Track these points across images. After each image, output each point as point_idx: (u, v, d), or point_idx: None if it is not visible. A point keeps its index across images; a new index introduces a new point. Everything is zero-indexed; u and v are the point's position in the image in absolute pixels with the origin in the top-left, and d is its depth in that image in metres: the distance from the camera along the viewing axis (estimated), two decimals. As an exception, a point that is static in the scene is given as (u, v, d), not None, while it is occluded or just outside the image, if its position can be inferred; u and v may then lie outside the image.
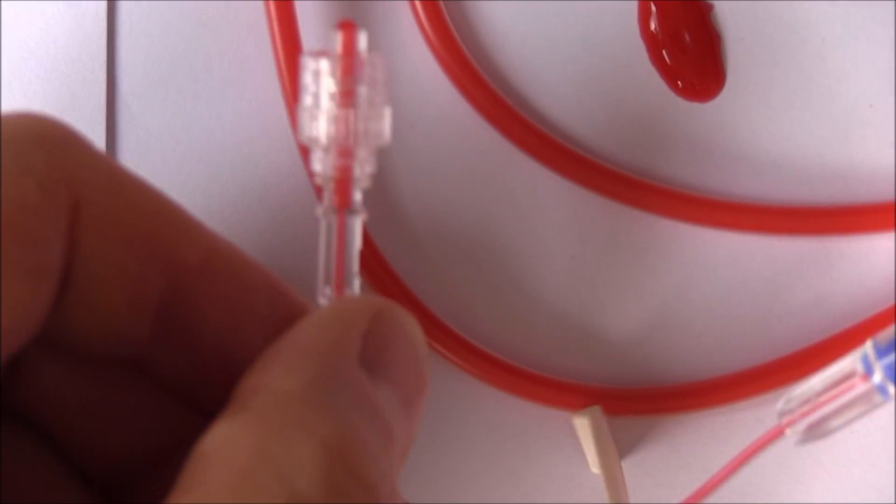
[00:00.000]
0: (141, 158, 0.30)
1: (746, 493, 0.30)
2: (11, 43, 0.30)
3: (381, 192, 0.30)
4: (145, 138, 0.30)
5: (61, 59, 0.30)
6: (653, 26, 0.31)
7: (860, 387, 0.25)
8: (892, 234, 0.30)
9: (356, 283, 0.22)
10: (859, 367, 0.25)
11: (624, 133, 0.31)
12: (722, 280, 0.31)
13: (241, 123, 0.30)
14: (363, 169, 0.23)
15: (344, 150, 0.22)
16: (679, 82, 0.31)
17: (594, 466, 0.29)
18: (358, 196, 0.23)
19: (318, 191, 0.25)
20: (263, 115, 0.30)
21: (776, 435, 0.26)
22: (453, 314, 0.30)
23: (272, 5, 0.29)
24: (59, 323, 0.19)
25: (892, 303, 0.30)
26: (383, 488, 0.18)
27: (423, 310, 0.30)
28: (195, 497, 0.16)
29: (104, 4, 0.31)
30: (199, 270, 0.21)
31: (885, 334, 0.25)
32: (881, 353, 0.25)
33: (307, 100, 0.22)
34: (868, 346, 0.25)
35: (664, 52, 0.31)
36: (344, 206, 0.22)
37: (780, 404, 0.26)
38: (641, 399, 0.30)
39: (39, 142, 0.19)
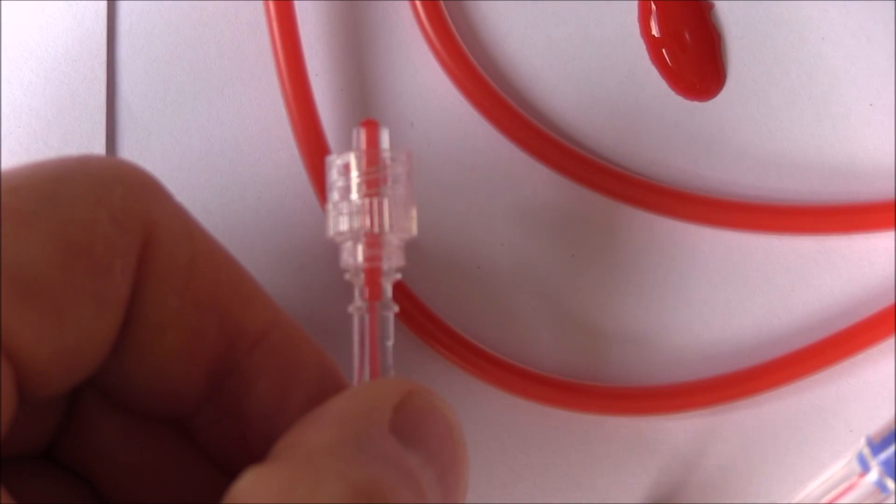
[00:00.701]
0: (141, 158, 0.30)
1: None
2: (11, 42, 0.30)
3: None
4: (145, 138, 0.30)
5: (61, 58, 0.31)
6: (653, 26, 0.31)
7: (859, 487, 0.25)
8: (892, 234, 0.30)
9: (391, 376, 0.23)
10: (856, 467, 0.25)
11: (624, 132, 0.31)
12: (722, 279, 0.31)
13: (241, 123, 0.30)
14: (391, 262, 0.23)
15: (372, 239, 0.22)
16: (679, 81, 0.31)
17: None
18: (388, 291, 0.23)
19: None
20: (263, 115, 0.30)
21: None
22: (453, 314, 0.30)
23: (272, 5, 0.29)
24: (118, 369, 0.20)
25: (892, 302, 0.30)
26: None
27: (423, 309, 0.30)
28: None
29: (104, 4, 0.31)
30: (257, 340, 0.21)
31: (878, 431, 0.25)
32: (876, 449, 0.24)
33: (334, 195, 0.22)
34: (862, 445, 0.25)
35: (664, 51, 0.31)
36: (375, 298, 0.23)
37: None
38: (641, 398, 0.30)
39: (119, 180, 0.19)
